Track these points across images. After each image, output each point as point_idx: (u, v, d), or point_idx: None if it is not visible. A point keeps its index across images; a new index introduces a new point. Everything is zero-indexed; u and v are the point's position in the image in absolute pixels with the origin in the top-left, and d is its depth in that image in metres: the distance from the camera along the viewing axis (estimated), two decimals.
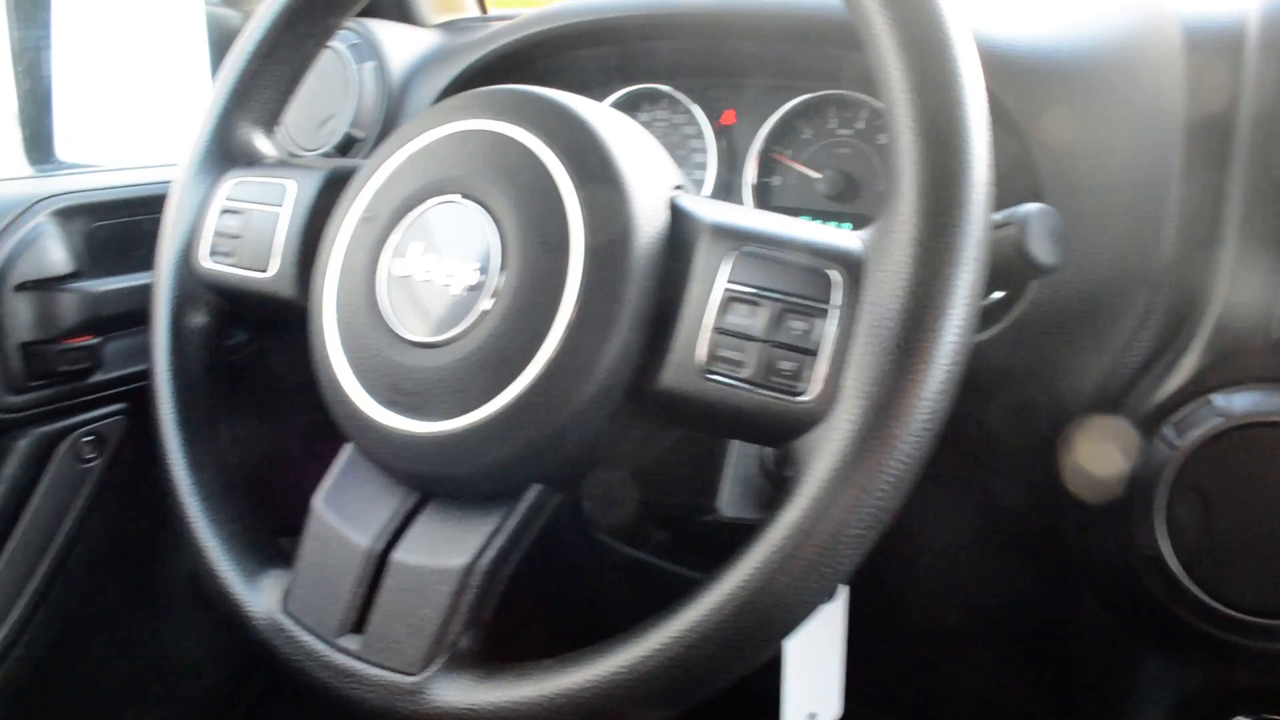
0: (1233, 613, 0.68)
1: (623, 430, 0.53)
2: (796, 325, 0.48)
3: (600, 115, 0.55)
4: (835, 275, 0.48)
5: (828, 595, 0.48)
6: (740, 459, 0.72)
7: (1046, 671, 0.92)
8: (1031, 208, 0.62)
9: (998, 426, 0.75)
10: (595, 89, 0.90)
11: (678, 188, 0.55)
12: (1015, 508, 0.82)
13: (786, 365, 0.48)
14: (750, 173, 0.84)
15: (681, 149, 0.88)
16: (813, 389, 0.47)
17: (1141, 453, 0.70)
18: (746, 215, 0.53)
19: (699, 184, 0.87)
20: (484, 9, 1.15)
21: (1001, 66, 0.73)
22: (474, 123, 0.57)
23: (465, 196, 0.55)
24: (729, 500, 0.72)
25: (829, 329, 0.48)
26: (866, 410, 0.46)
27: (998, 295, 0.74)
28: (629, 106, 0.91)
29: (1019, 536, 0.84)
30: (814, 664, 0.80)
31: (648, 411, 0.53)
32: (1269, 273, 0.69)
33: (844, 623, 0.81)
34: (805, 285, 0.49)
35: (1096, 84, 0.74)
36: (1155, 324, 0.72)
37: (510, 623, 0.62)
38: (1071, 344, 0.74)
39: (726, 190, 0.86)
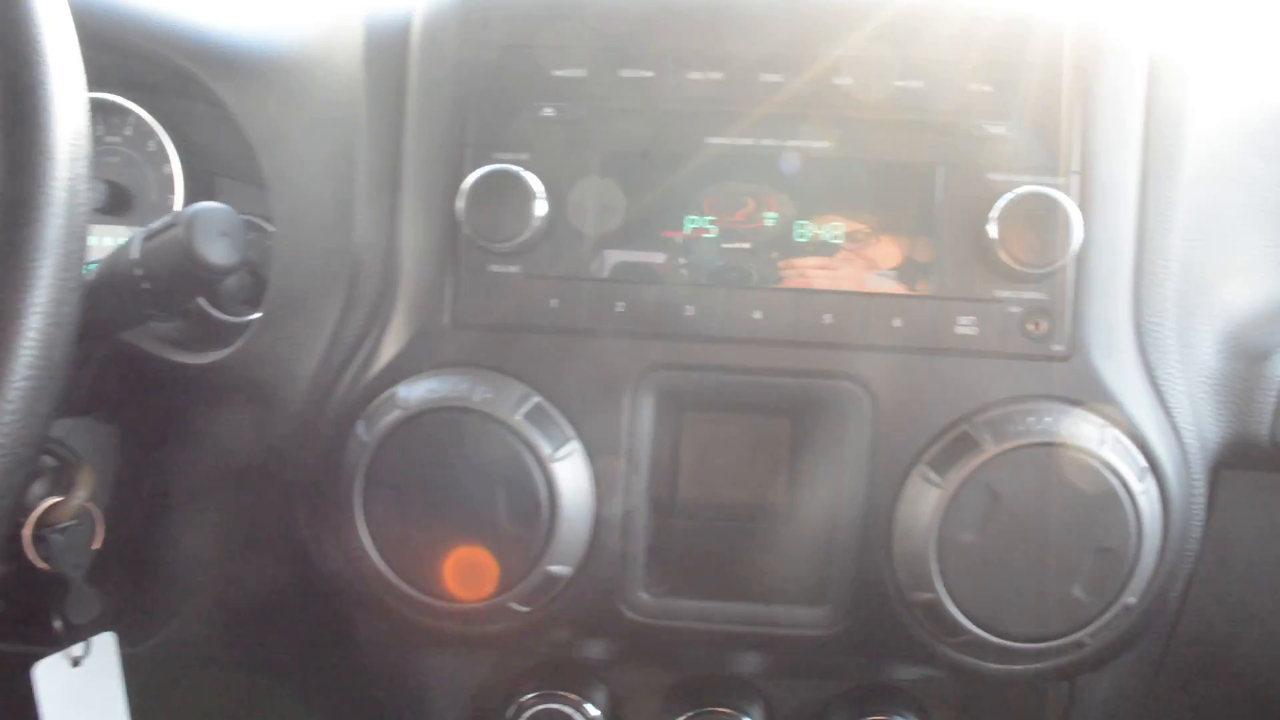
0: (433, 600, 0.69)
1: None
2: None
3: None
4: None
5: None
6: None
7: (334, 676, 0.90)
8: (197, 207, 0.66)
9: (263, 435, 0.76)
10: None
11: None
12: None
13: None
14: None
15: None
16: None
17: (347, 449, 0.69)
18: None
19: None
20: None
21: (221, 61, 0.77)
22: None
23: None
24: None
25: None
26: None
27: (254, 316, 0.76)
28: None
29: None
30: None
31: None
32: (436, 254, 0.71)
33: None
34: None
35: (299, 77, 0.78)
36: (361, 311, 0.73)
37: None
38: (301, 342, 0.75)
39: None
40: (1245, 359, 0.73)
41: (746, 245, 0.71)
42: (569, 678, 0.81)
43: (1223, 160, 0.74)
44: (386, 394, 0.70)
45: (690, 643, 0.75)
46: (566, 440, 0.69)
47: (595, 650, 0.80)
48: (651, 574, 0.73)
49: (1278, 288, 0.74)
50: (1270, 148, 0.75)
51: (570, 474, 0.69)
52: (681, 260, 0.71)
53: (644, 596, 0.73)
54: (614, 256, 0.71)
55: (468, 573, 0.69)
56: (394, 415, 0.68)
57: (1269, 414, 0.72)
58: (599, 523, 0.71)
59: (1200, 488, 0.72)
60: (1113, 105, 0.70)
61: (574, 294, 0.70)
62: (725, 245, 0.71)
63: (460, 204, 0.69)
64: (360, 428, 0.70)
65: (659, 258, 0.71)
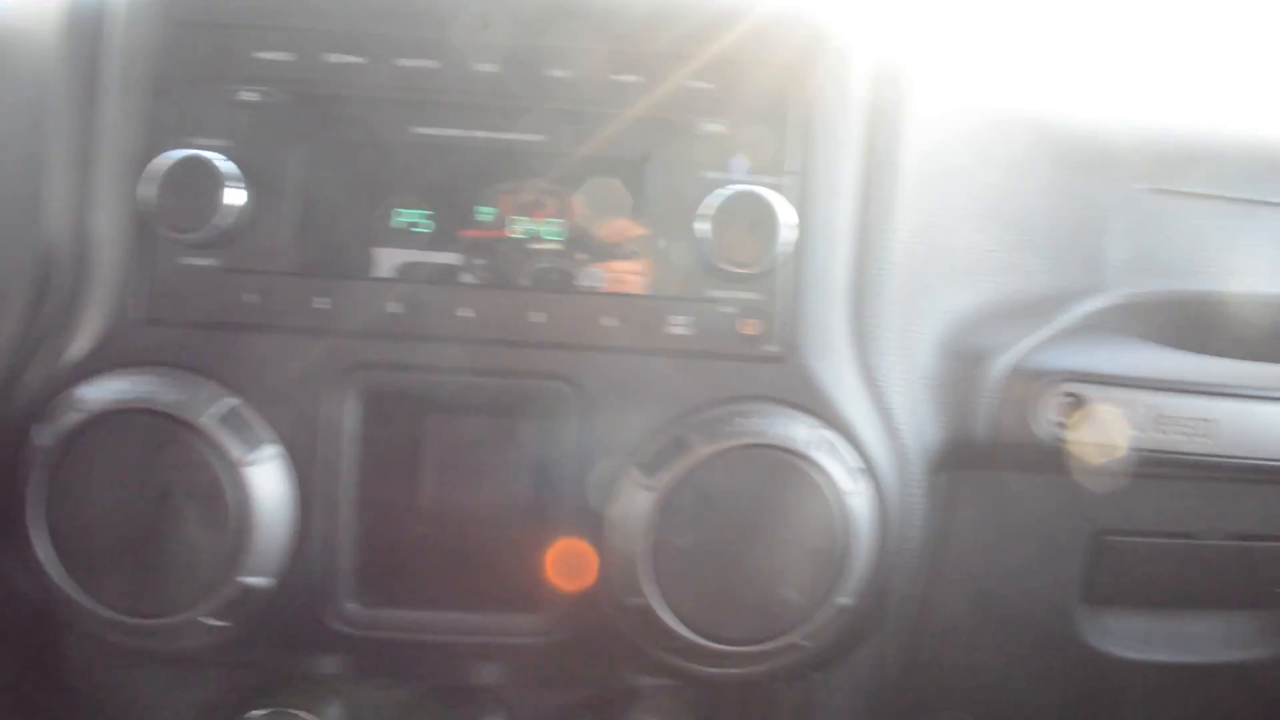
0: (119, 615, 0.64)
1: None
2: None
3: None
4: None
5: None
6: None
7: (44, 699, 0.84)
8: None
9: None
10: None
11: None
12: None
13: None
14: None
15: None
16: None
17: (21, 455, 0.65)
18: None
19: None
20: None
21: None
22: None
23: None
24: None
25: None
26: None
27: None
28: None
29: None
30: None
31: None
32: (128, 244, 0.67)
33: None
34: None
35: None
36: (53, 306, 0.69)
37: None
38: None
39: None
40: (964, 361, 0.74)
41: (461, 241, 0.68)
42: (302, 693, 0.77)
43: (945, 163, 0.74)
44: (65, 395, 0.65)
45: (408, 654, 0.72)
46: (263, 444, 0.65)
47: (321, 665, 0.76)
48: (362, 584, 0.70)
49: (997, 291, 0.76)
50: (991, 152, 0.76)
51: (267, 480, 0.65)
52: (396, 256, 0.68)
53: (352, 607, 0.69)
54: (380, 254, 0.67)
55: (152, 586, 0.64)
56: (72, 418, 0.63)
57: (986, 415, 0.73)
58: (302, 531, 0.67)
59: (920, 487, 0.73)
60: (833, 106, 0.70)
61: (272, 289, 0.67)
62: (437, 241, 0.68)
63: (146, 190, 0.64)
64: (36, 431, 0.64)
65: (375, 253, 0.68)
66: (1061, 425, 0.74)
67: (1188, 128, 0.82)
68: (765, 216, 0.65)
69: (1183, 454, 0.74)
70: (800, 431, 0.67)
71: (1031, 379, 0.73)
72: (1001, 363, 0.73)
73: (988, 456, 0.75)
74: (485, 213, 0.68)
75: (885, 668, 0.84)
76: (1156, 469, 0.78)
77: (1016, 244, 0.77)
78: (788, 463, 0.66)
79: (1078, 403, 0.73)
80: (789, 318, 0.68)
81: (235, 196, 0.65)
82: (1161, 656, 0.94)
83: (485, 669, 0.78)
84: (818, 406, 0.68)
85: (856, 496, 0.67)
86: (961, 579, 0.81)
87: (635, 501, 0.66)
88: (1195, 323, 0.80)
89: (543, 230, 0.68)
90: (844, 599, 0.68)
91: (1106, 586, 0.90)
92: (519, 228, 0.68)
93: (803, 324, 0.68)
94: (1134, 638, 0.94)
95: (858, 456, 0.69)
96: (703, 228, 0.66)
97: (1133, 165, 0.79)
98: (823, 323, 0.69)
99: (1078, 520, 0.88)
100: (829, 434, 0.68)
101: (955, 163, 0.75)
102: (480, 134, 0.68)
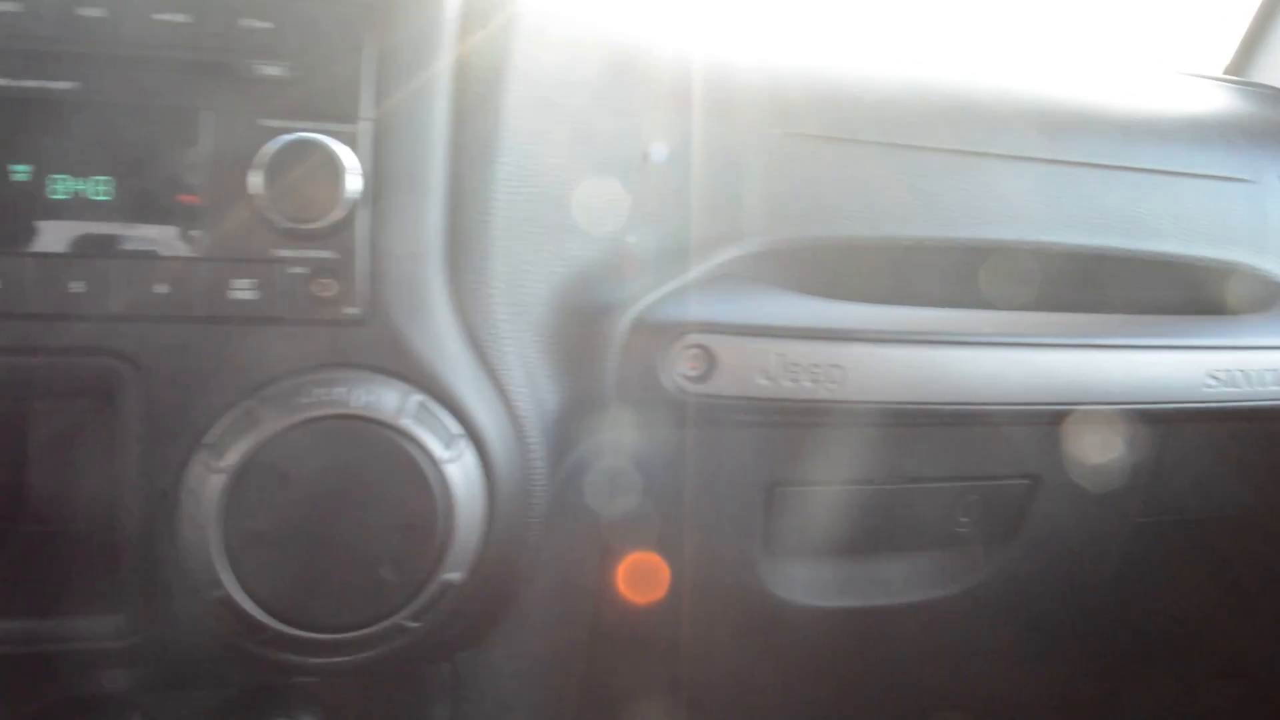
0: None
1: None
2: None
3: None
4: None
5: None
6: None
7: None
8: None
9: None
10: None
11: None
12: None
13: None
14: None
15: None
16: None
17: None
18: None
19: None
20: None
21: None
22: None
23: None
24: None
25: None
26: None
27: None
28: None
29: None
30: None
31: None
32: None
33: None
34: None
35: None
36: None
37: None
38: None
39: None
40: (585, 316, 0.70)
41: None
42: None
43: (558, 108, 0.70)
44: None
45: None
46: None
47: None
48: None
49: (616, 242, 0.72)
50: (612, 96, 0.73)
51: None
52: None
53: None
54: None
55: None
56: None
57: (611, 372, 0.70)
58: None
59: (540, 451, 0.69)
60: (417, 44, 0.65)
61: None
62: None
63: None
64: None
65: None
66: (690, 379, 0.71)
67: (821, 71, 0.80)
68: (324, 166, 0.60)
69: (813, 400, 0.73)
70: (388, 398, 0.62)
71: (657, 332, 0.71)
72: (625, 317, 0.70)
73: (619, 415, 0.72)
74: (19, 171, 0.60)
75: (554, 643, 0.81)
76: (809, 418, 0.77)
77: (645, 193, 0.73)
78: (373, 432, 0.61)
79: (706, 355, 0.71)
80: (371, 276, 0.63)
81: None
82: (849, 602, 0.94)
83: (117, 675, 0.71)
84: (408, 370, 0.64)
85: (455, 464, 0.63)
86: (643, 536, 0.79)
87: (206, 485, 0.60)
88: (831, 268, 0.79)
89: (91, 190, 0.61)
90: (452, 574, 0.64)
91: (787, 537, 0.90)
92: (59, 187, 0.61)
93: (388, 282, 0.63)
94: (820, 585, 0.94)
95: (457, 422, 0.64)
96: (255, 180, 0.60)
97: (767, 110, 0.77)
98: (412, 279, 0.64)
99: (750, 473, 0.87)
100: (422, 399, 0.63)
101: (570, 107, 0.71)
102: (3, 82, 0.60)
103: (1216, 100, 1.01)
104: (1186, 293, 0.91)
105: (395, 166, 0.63)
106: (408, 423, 0.61)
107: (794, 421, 0.79)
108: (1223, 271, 0.90)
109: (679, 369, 0.71)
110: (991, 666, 1.08)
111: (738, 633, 0.94)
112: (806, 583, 0.93)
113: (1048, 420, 0.84)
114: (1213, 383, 0.83)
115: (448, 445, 0.63)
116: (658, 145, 0.74)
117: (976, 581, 0.98)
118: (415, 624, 0.64)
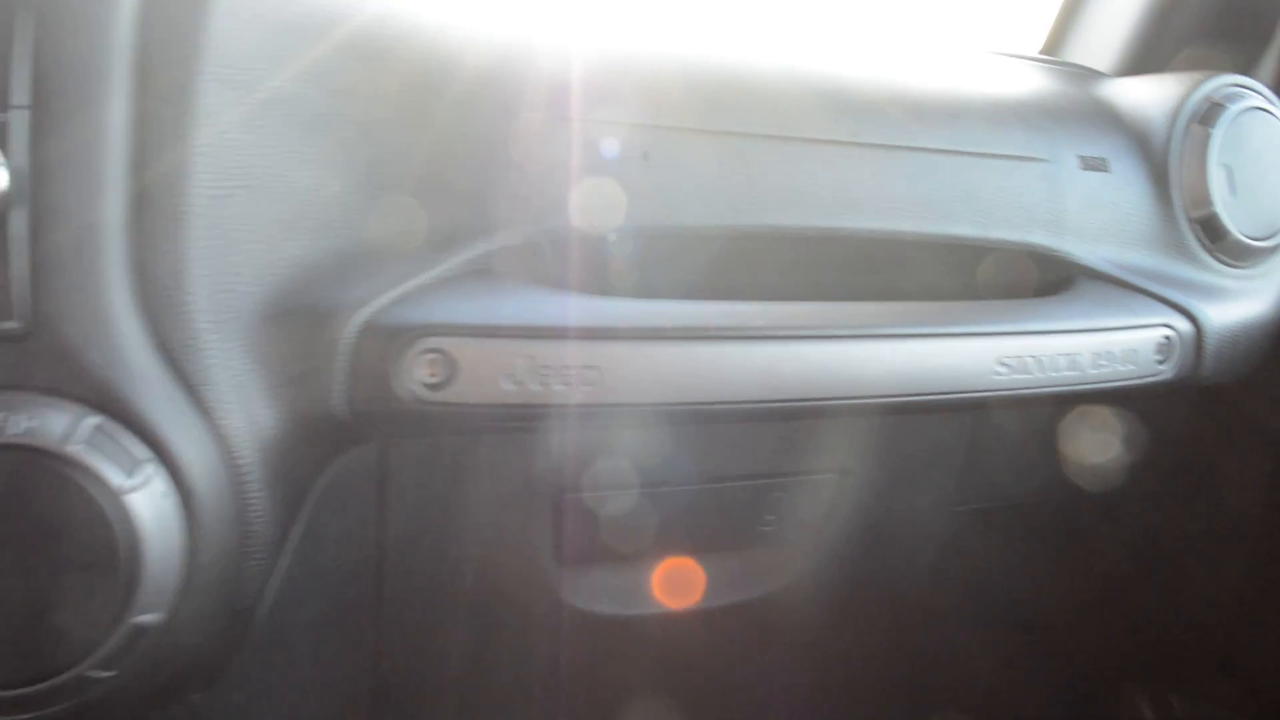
0: None
1: None
2: None
3: None
4: None
5: None
6: None
7: None
8: None
9: None
10: None
11: None
12: None
13: None
14: None
15: None
16: None
17: None
18: None
19: None
20: None
21: None
22: None
23: None
24: None
25: None
26: None
27: None
28: None
29: None
30: None
31: None
32: None
33: None
34: None
35: None
36: None
37: None
38: None
39: None
40: (306, 321, 0.64)
41: None
42: None
43: (275, 95, 0.64)
44: None
45: None
46: None
47: None
48: None
49: (356, 240, 0.66)
50: (341, 82, 0.66)
51: None
52: None
53: None
54: None
55: None
56: None
57: (339, 383, 0.64)
58: None
59: (256, 473, 0.62)
60: (84, 24, 0.57)
61: None
62: None
63: None
64: None
65: None
66: (428, 386, 0.65)
67: (576, 50, 0.75)
68: None
69: (567, 405, 0.68)
70: (56, 422, 0.55)
71: (389, 337, 0.64)
72: (354, 321, 0.64)
73: (352, 430, 0.66)
74: None
75: (328, 677, 0.75)
76: (590, 421, 0.71)
77: (382, 186, 0.67)
78: (35, 463, 0.54)
79: (445, 360, 0.65)
80: (32, 284, 0.56)
81: None
82: (653, 610, 0.90)
83: None
84: (83, 389, 0.56)
85: (141, 493, 0.56)
86: (425, 557, 0.73)
87: None
88: (598, 262, 0.74)
89: None
90: (145, 616, 0.57)
91: (582, 546, 0.85)
92: None
93: (54, 290, 0.56)
94: (621, 594, 0.89)
95: (144, 446, 0.57)
96: None
97: (524, 95, 0.71)
98: (85, 286, 0.57)
99: (537, 481, 0.82)
100: (100, 420, 0.56)
101: (287, 93, 0.64)
102: None
103: (1022, 80, 0.99)
104: (984, 277, 0.89)
105: (59, 159, 0.56)
106: (78, 449, 0.54)
107: (579, 425, 0.74)
108: (1019, 254, 0.88)
109: (415, 376, 0.65)
110: (815, 664, 1.05)
111: (538, 650, 0.90)
112: (607, 592, 0.89)
113: (846, 414, 0.81)
114: (1003, 370, 0.81)
115: (130, 473, 0.56)
116: (393, 134, 0.68)
117: (789, 580, 0.95)
118: (107, 673, 0.57)
